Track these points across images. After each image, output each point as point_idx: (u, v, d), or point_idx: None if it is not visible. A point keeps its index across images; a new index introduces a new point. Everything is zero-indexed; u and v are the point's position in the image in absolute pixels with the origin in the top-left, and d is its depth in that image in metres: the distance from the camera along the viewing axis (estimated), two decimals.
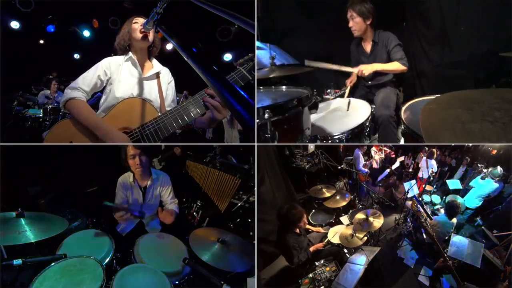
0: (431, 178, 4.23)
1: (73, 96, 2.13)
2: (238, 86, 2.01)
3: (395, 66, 3.24)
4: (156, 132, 2.00)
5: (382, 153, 4.59)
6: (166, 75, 2.43)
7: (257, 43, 3.78)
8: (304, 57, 3.98)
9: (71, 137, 2.06)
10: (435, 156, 4.35)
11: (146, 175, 2.59)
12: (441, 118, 1.32)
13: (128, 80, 2.26)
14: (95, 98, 2.65)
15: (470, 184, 3.75)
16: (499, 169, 3.50)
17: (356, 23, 3.27)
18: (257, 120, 2.11)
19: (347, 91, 3.41)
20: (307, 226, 3.09)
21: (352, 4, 3.23)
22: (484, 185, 3.56)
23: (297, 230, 2.72)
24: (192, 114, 2.00)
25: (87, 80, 2.22)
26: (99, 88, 2.29)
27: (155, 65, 2.40)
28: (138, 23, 2.24)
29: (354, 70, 3.32)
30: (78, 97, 2.14)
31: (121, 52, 2.35)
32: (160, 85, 2.34)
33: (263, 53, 3.72)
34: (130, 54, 2.31)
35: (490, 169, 3.60)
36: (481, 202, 3.55)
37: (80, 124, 2.06)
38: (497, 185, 3.49)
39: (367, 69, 3.24)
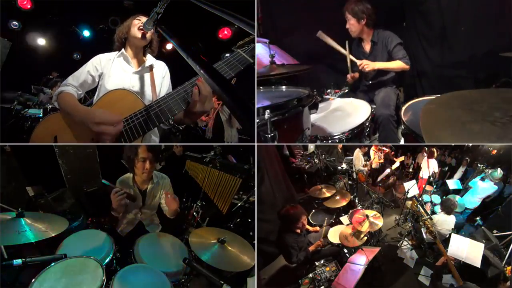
0: (431, 178, 4.22)
1: (62, 90, 2.15)
2: (237, 70, 1.95)
3: (398, 64, 3.24)
4: (140, 125, 1.92)
5: (382, 153, 4.58)
6: (160, 68, 2.39)
7: (259, 38, 3.79)
8: (304, 57, 3.98)
9: (56, 131, 2.05)
10: (435, 155, 4.35)
11: (148, 179, 2.57)
12: (441, 118, 1.32)
13: (120, 74, 2.25)
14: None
15: (469, 184, 3.75)
16: (499, 171, 3.50)
17: (351, 24, 3.31)
18: (257, 120, 2.11)
19: (348, 86, 3.44)
20: (306, 226, 3.09)
21: (346, 5, 3.28)
22: (482, 187, 3.56)
23: (298, 230, 2.72)
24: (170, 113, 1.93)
25: (76, 76, 2.24)
26: (91, 84, 2.29)
27: (148, 59, 2.37)
28: (140, 20, 2.23)
29: (358, 62, 3.32)
30: (67, 90, 2.16)
31: (118, 44, 2.35)
32: (153, 78, 2.30)
33: (263, 52, 3.72)
34: (123, 50, 2.31)
35: (489, 171, 3.60)
36: (480, 203, 3.55)
37: (69, 115, 2.05)
38: (496, 187, 3.50)
39: (369, 65, 3.24)
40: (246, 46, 2.07)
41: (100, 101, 2.10)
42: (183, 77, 2.04)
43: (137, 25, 2.23)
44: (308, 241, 2.88)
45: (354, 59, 3.36)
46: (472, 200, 3.58)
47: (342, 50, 3.37)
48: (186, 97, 1.94)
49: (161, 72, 2.39)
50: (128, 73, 2.27)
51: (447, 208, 3.00)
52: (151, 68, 2.34)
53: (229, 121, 4.42)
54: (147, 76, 2.31)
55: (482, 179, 3.63)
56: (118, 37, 2.34)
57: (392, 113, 3.10)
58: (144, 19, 2.22)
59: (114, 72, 2.25)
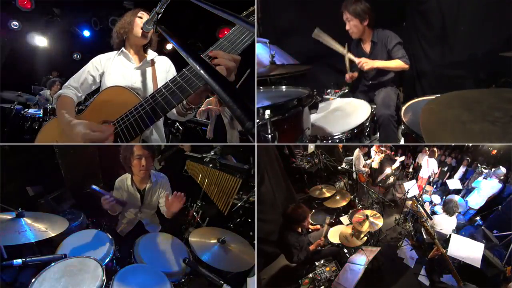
0: (431, 178, 4.23)
1: (60, 93, 2.13)
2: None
3: (397, 63, 3.20)
4: (137, 123, 1.78)
5: (382, 153, 4.58)
6: (163, 62, 2.34)
7: (259, 38, 3.78)
8: (304, 57, 3.97)
9: (57, 136, 2.03)
10: (435, 155, 4.35)
11: (146, 178, 2.54)
12: (441, 118, 1.32)
13: (120, 70, 2.21)
14: None
15: (473, 184, 3.74)
16: (502, 168, 3.51)
17: (353, 25, 3.21)
18: (257, 120, 2.11)
19: (348, 86, 3.42)
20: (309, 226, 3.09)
21: (346, 6, 3.17)
22: (487, 185, 3.55)
23: (299, 229, 2.72)
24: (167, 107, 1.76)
25: (76, 77, 2.22)
26: (92, 85, 2.27)
27: (149, 54, 2.33)
28: (142, 18, 2.17)
29: (356, 60, 3.25)
30: (65, 93, 2.13)
31: (118, 40, 2.29)
32: (155, 73, 2.25)
33: (263, 53, 3.72)
34: (122, 48, 2.28)
35: (493, 169, 3.60)
36: (484, 202, 3.54)
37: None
38: (500, 185, 3.50)
39: (368, 63, 3.18)
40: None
41: (95, 101, 2.04)
42: None
43: (139, 25, 2.17)
44: (309, 241, 2.88)
45: (352, 57, 3.31)
46: (477, 200, 3.57)
47: (341, 49, 3.31)
48: (185, 86, 1.73)
49: (165, 67, 2.33)
50: (129, 69, 2.23)
51: (450, 209, 3.00)
52: (152, 62, 2.29)
53: (231, 123, 4.41)
54: (148, 70, 2.26)
55: (486, 178, 3.63)
56: (118, 33, 2.27)
57: (393, 113, 3.09)
58: (145, 15, 2.17)
59: (115, 69, 2.21)
